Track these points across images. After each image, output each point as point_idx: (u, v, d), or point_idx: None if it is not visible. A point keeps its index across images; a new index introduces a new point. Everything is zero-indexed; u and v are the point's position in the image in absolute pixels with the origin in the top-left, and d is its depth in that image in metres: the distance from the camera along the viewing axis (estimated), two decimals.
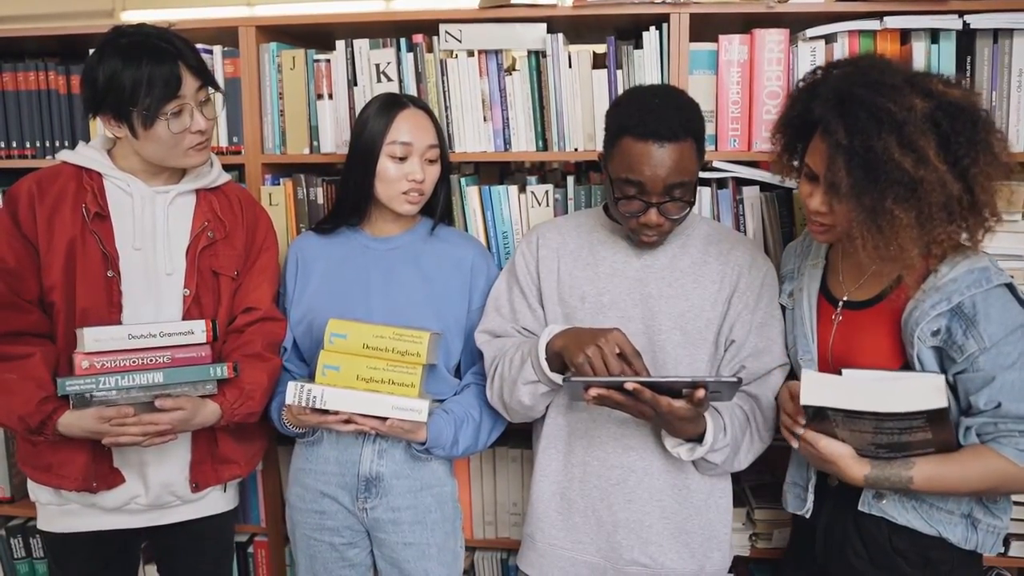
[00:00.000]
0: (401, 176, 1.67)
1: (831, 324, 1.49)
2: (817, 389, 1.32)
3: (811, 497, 1.54)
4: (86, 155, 1.64)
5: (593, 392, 1.36)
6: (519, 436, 1.92)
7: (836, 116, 1.28)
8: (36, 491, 1.69)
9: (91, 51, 1.57)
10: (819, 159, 1.34)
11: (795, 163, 1.48)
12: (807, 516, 1.54)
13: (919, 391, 1.27)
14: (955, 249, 1.35)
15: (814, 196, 1.38)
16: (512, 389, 1.57)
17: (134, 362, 1.53)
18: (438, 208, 1.79)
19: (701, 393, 1.33)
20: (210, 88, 1.62)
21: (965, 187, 1.27)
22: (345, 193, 1.75)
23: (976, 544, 1.41)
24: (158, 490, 1.67)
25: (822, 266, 1.55)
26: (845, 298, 1.49)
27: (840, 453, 1.36)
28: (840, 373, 1.38)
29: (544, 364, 1.49)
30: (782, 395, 1.50)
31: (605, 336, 1.39)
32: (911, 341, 1.36)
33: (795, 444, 1.43)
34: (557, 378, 1.49)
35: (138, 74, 1.50)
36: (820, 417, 1.34)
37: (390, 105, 1.69)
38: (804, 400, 1.32)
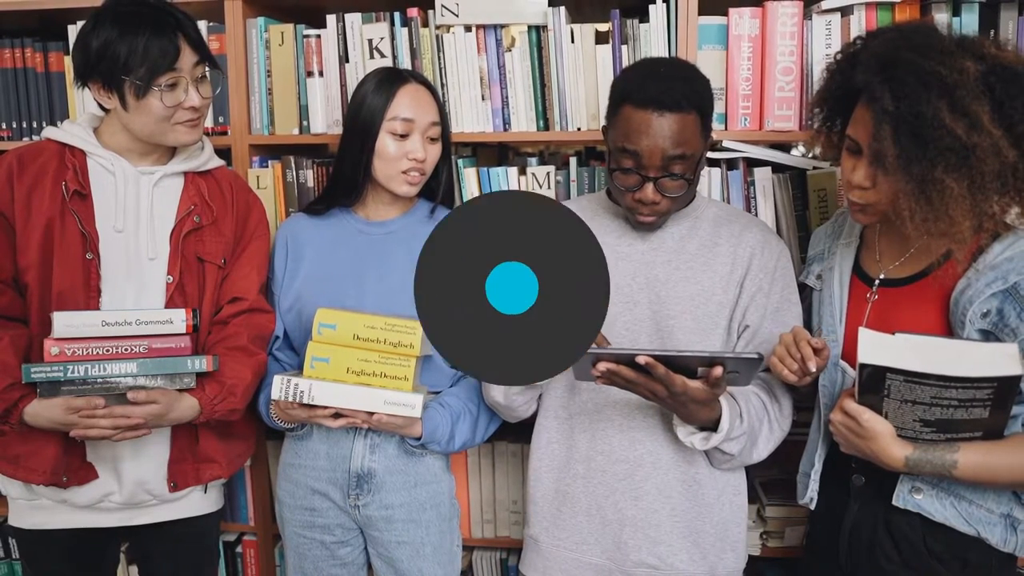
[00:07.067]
0: (401, 154, 1.61)
1: (865, 303, 1.43)
2: (876, 348, 1.22)
3: (814, 486, 1.48)
4: (70, 131, 1.59)
5: (602, 366, 1.28)
6: (518, 430, 1.86)
7: (881, 82, 1.23)
8: (6, 484, 1.62)
9: (81, 22, 1.52)
10: (863, 129, 1.28)
11: (833, 139, 1.42)
12: (812, 507, 1.49)
13: (992, 357, 1.20)
14: (1005, 228, 1.28)
15: (857, 169, 1.32)
16: (486, 388, 1.51)
17: (107, 351, 1.47)
18: (439, 190, 1.72)
19: (719, 371, 1.26)
20: (207, 66, 1.56)
21: (1021, 155, 1.21)
22: (340, 173, 1.69)
23: (1015, 546, 1.34)
24: (132, 487, 1.59)
25: (856, 245, 1.49)
26: (882, 276, 1.42)
27: (880, 431, 1.27)
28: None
29: None
30: (786, 339, 1.37)
31: None
32: (961, 322, 1.28)
33: (793, 380, 1.34)
34: None
35: (135, 43, 1.45)
36: (869, 388, 1.25)
37: (391, 79, 1.62)
38: (863, 359, 1.23)
